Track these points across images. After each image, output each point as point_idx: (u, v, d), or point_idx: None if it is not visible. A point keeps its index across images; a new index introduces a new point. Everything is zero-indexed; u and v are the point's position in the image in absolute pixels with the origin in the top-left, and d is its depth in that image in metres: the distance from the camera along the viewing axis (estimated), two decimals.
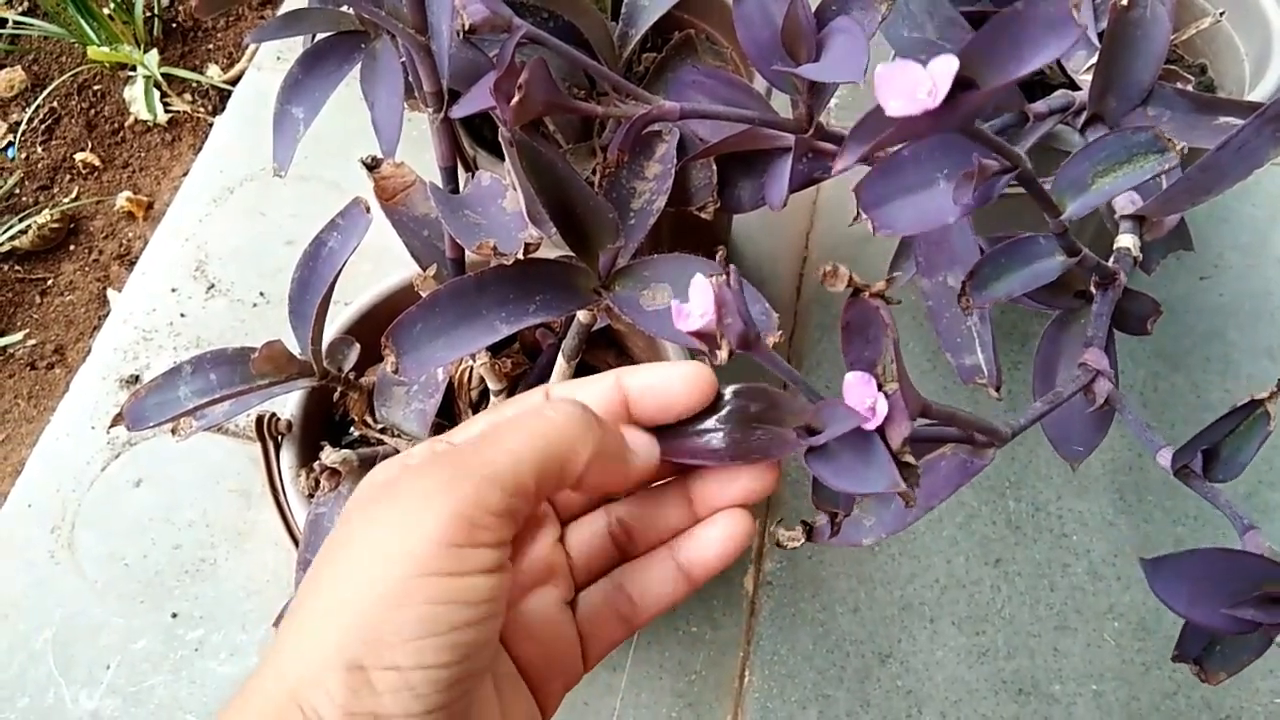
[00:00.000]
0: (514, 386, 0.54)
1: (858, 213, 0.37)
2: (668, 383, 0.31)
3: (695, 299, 0.28)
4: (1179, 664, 0.63)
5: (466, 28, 0.39)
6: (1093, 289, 0.44)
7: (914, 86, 0.23)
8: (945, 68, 0.22)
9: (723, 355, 0.28)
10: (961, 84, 0.23)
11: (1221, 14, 0.65)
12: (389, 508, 0.27)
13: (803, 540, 0.38)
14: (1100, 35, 0.53)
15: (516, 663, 0.30)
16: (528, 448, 0.27)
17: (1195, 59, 0.70)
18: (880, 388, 0.29)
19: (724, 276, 0.27)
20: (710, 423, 0.31)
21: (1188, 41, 0.69)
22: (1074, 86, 0.55)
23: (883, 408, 0.29)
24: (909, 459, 0.29)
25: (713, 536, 0.32)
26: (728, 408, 0.31)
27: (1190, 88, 0.51)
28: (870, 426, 0.29)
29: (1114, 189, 0.37)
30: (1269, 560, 0.34)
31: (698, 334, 0.28)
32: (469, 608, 0.25)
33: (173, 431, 0.49)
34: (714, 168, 0.51)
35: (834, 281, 0.28)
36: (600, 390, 0.31)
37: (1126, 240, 0.45)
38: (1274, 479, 0.69)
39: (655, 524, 0.33)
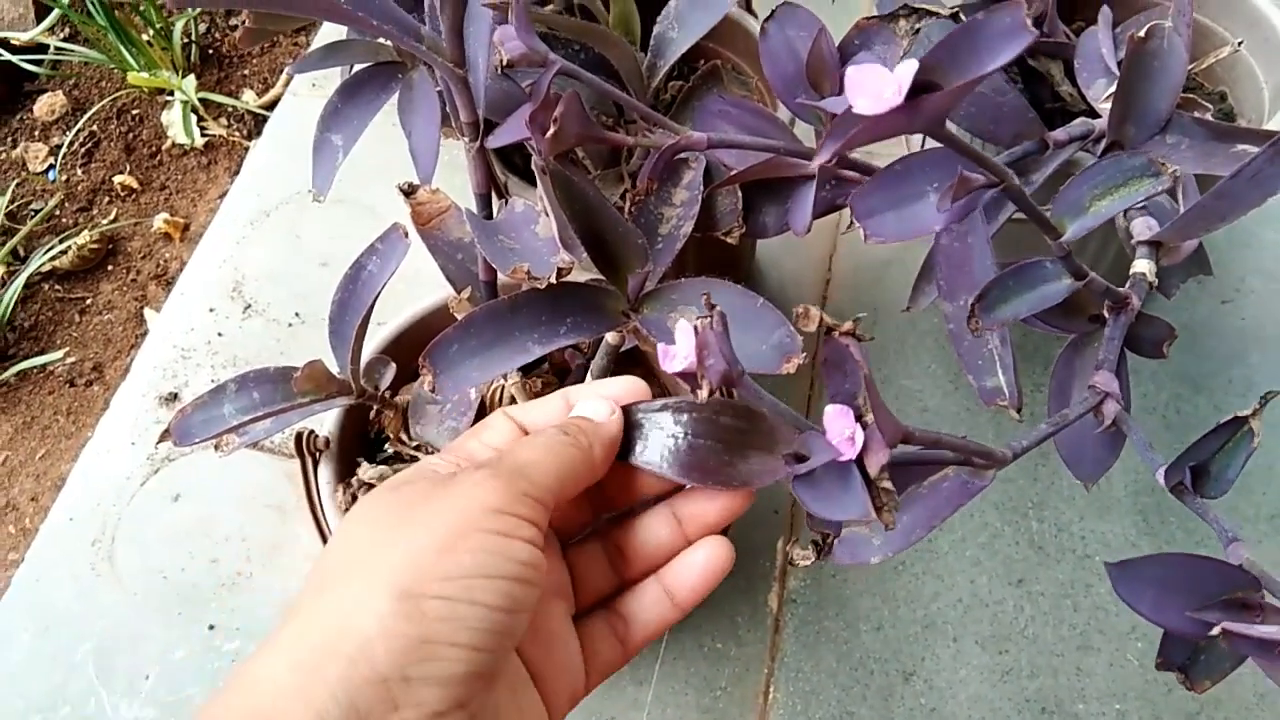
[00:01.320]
0: None
1: (851, 220, 0.38)
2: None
3: (680, 342, 0.30)
4: None
5: (504, 62, 0.40)
6: (1106, 313, 0.45)
7: (880, 87, 0.25)
8: (907, 70, 0.24)
9: (703, 395, 0.30)
10: (926, 87, 0.25)
11: (1240, 43, 0.65)
12: (432, 491, 0.29)
13: (814, 558, 0.40)
14: (1120, 64, 0.54)
15: (527, 666, 0.32)
16: (544, 459, 0.31)
17: (1215, 87, 0.71)
18: (859, 418, 0.31)
19: (709, 319, 0.28)
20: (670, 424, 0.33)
21: (1207, 70, 0.70)
22: (1094, 114, 0.56)
23: (860, 438, 0.31)
24: (887, 485, 0.31)
25: (694, 562, 0.34)
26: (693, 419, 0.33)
27: (1209, 116, 0.51)
28: (849, 457, 0.31)
29: (1110, 211, 0.39)
30: (1235, 567, 0.35)
31: (682, 375, 0.30)
32: (514, 564, 0.28)
33: (216, 447, 0.51)
34: (739, 194, 0.52)
35: (806, 323, 0.30)
36: (550, 410, 0.35)
37: (1142, 265, 0.46)
38: None
39: (646, 545, 0.35)
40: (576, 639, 0.34)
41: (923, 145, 0.55)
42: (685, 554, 0.35)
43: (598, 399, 0.34)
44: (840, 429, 0.31)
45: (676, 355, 0.30)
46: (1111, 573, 0.35)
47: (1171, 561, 0.35)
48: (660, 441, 0.33)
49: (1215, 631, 0.31)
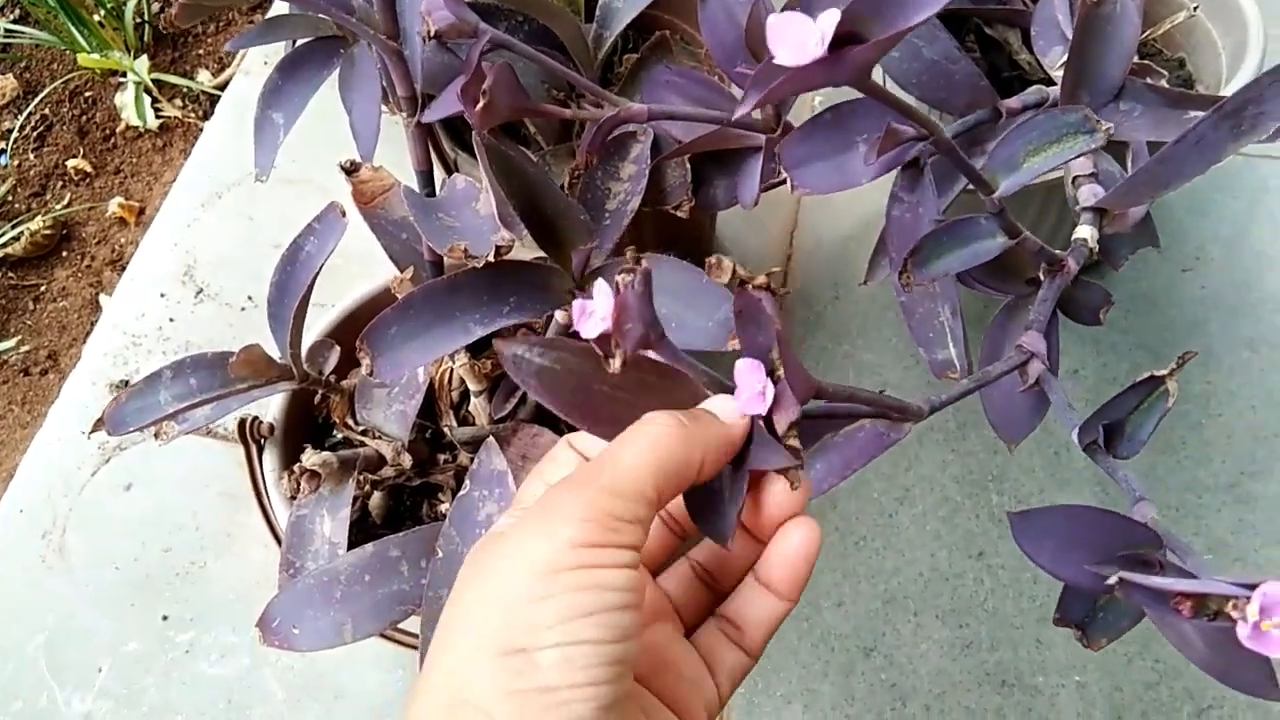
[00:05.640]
0: (494, 387, 0.55)
1: (782, 175, 0.37)
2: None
3: (597, 301, 0.28)
4: (1161, 655, 0.64)
5: (432, 33, 0.39)
6: (1041, 275, 0.45)
7: (804, 37, 0.24)
8: (829, 19, 0.23)
9: (615, 364, 0.28)
10: (851, 38, 0.24)
11: (1196, 8, 0.65)
12: (523, 528, 0.29)
13: None
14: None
15: (656, 695, 0.32)
16: (645, 461, 0.29)
17: (1174, 53, 0.71)
18: (771, 373, 0.30)
19: (632, 278, 0.27)
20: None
21: (1166, 36, 0.69)
22: (1050, 82, 0.56)
23: (771, 393, 0.30)
24: (794, 443, 0.30)
25: (788, 551, 0.32)
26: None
27: (1165, 82, 0.51)
28: (760, 413, 0.30)
29: (1043, 166, 0.38)
30: (1138, 524, 0.34)
31: (598, 339, 0.28)
32: (610, 593, 0.27)
33: (155, 435, 0.50)
34: (688, 167, 0.51)
35: (718, 274, 0.29)
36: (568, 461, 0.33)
37: (1084, 231, 0.45)
38: (1256, 470, 0.69)
39: (729, 559, 0.34)
40: (696, 654, 0.33)
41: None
42: (775, 544, 0.33)
43: (727, 398, 0.31)
44: (751, 384, 0.30)
45: (594, 315, 0.28)
46: (1013, 521, 0.33)
47: (1075, 514, 0.34)
48: (557, 379, 0.31)
49: (1111, 580, 0.30)
